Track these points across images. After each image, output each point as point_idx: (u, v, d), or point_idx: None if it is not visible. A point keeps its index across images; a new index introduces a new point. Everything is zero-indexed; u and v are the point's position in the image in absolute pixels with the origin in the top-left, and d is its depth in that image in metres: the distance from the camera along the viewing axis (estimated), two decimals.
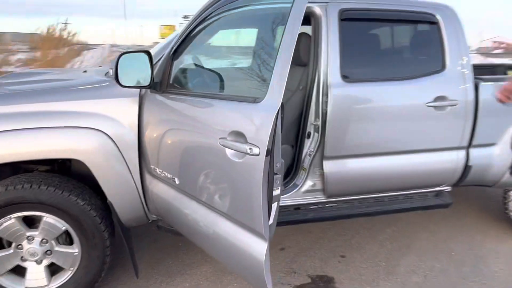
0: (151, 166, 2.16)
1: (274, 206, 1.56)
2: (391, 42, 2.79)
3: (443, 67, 2.62)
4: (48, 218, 2.12)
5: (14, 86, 2.53)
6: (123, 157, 2.14)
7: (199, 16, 2.00)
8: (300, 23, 1.49)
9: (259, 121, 1.52)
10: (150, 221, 2.41)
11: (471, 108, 2.63)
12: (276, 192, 1.54)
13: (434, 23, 2.63)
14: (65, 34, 14.18)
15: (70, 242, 2.22)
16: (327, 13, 2.43)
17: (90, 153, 2.07)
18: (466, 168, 2.77)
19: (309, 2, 2.42)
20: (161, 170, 2.09)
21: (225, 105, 1.75)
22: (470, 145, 2.73)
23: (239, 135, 1.60)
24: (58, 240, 2.20)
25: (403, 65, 2.69)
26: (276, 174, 1.53)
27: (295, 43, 1.48)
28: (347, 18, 2.47)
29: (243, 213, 1.63)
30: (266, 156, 1.45)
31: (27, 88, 2.41)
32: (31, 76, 2.92)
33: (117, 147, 2.12)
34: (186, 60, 2.13)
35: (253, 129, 1.54)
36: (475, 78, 2.67)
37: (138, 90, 2.14)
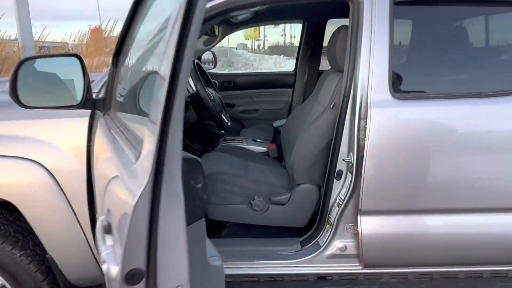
0: (97, 211, 1.56)
1: None
2: (477, 38, 1.83)
3: None
4: None
5: None
6: (66, 197, 1.58)
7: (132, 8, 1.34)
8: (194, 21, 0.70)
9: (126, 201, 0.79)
10: None
11: None
12: None
13: None
14: None
15: None
16: None
17: (18, 191, 1.55)
18: None
19: None
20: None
21: (124, 146, 1.05)
22: None
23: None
24: None
25: (498, 73, 1.73)
26: None
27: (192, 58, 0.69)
28: (405, 1, 1.62)
29: None
30: (131, 284, 0.71)
31: None
32: None
33: (58, 183, 1.56)
34: (125, 68, 1.47)
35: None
36: None
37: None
